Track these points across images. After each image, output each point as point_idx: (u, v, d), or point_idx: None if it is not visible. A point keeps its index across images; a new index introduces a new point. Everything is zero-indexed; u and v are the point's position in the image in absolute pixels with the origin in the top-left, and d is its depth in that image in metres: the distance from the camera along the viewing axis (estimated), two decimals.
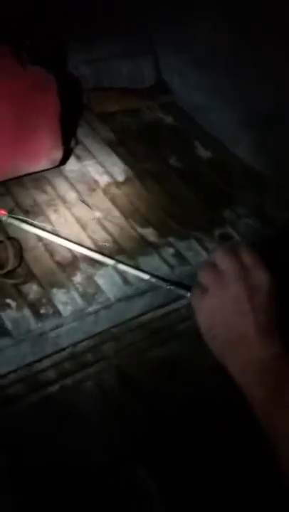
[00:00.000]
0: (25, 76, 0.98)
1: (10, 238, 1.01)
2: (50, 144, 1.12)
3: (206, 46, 1.46)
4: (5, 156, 1.04)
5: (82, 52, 1.54)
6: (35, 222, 1.08)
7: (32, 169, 1.14)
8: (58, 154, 1.16)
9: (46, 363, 0.90)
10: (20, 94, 0.98)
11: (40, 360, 0.90)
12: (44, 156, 1.13)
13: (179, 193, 1.28)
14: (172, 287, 0.95)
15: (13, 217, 1.03)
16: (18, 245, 1.01)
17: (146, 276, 1.00)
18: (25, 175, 1.18)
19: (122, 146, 1.40)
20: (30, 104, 1.01)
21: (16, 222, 1.05)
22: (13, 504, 0.73)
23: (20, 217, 1.06)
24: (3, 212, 1.01)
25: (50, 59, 1.18)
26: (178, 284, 0.97)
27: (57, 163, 1.18)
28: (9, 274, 0.97)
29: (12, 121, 1.01)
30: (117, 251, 1.09)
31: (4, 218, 1.01)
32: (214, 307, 0.62)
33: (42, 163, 1.14)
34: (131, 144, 1.42)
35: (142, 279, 1.01)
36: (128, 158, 1.37)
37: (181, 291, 0.94)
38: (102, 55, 1.55)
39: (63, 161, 1.22)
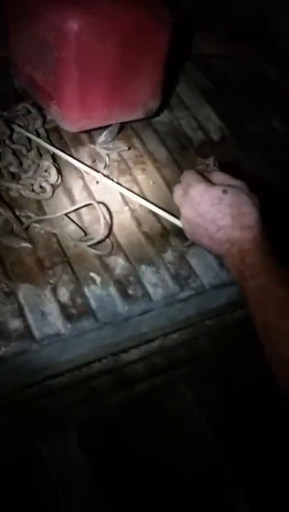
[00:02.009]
0: (141, 7, 0.80)
1: (98, 202, 0.87)
2: (149, 91, 0.95)
3: None
4: (101, 103, 0.89)
5: None
6: (123, 185, 0.94)
7: (124, 119, 0.99)
8: (156, 104, 0.99)
9: (134, 354, 0.80)
10: (132, 29, 0.81)
11: (127, 351, 0.80)
12: (140, 105, 0.97)
13: (282, 164, 1.11)
14: None
15: (105, 177, 0.89)
16: (107, 210, 0.88)
17: None
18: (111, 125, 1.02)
19: (219, 97, 1.22)
20: (138, 42, 0.84)
21: (104, 182, 0.91)
22: (97, 504, 0.65)
23: (110, 177, 0.92)
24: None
25: None
26: None
27: (151, 113, 1.02)
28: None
29: (115, 62, 0.84)
30: None
31: (98, 177, 0.88)
32: (196, 203, 0.70)
33: (136, 113, 0.98)
34: (228, 96, 1.24)
35: None
36: (225, 113, 1.19)
37: None
38: None
39: (158, 111, 1.05)
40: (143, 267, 0.86)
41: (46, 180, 0.91)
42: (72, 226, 0.88)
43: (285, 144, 1.15)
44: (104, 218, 0.83)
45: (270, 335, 0.60)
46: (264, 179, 1.07)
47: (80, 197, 0.93)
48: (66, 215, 0.88)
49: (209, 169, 0.76)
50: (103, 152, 1.00)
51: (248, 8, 1.39)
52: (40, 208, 0.89)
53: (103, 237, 0.83)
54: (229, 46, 1.35)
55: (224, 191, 0.69)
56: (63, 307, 0.78)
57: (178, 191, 0.74)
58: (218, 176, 0.74)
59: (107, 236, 0.86)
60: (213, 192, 0.69)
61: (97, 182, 0.93)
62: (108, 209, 0.91)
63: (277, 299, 0.61)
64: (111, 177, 0.96)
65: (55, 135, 1.01)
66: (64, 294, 0.80)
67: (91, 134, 1.02)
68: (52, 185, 0.91)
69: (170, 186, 1.00)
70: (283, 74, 1.31)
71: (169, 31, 0.86)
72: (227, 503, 0.72)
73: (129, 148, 1.03)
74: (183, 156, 1.07)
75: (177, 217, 0.91)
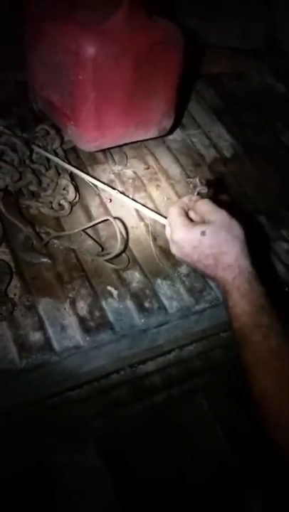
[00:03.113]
0: (153, 29, 0.84)
1: (114, 217, 0.90)
2: (162, 111, 0.98)
3: None
4: (116, 123, 0.92)
5: (190, 2, 1.36)
6: (139, 201, 0.97)
7: (139, 138, 1.02)
8: (169, 123, 1.03)
9: (151, 366, 0.82)
10: (145, 51, 0.85)
11: (144, 362, 0.81)
12: (154, 124, 1.00)
13: None
14: None
15: (121, 194, 0.92)
16: (123, 225, 0.91)
17: None
18: (125, 144, 1.06)
19: (229, 114, 1.25)
20: (152, 64, 0.87)
21: (120, 199, 0.94)
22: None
23: (126, 194, 0.95)
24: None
25: (154, 8, 1.02)
26: None
27: (165, 132, 1.05)
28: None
29: (129, 84, 0.88)
30: None
31: (114, 194, 0.91)
32: (180, 247, 0.72)
33: (150, 132, 1.02)
34: (239, 113, 1.27)
35: None
36: (236, 129, 1.22)
37: None
38: (213, 7, 1.37)
39: (170, 130, 1.08)
40: (159, 281, 0.88)
41: (64, 198, 0.94)
42: (90, 241, 0.91)
43: None
44: (121, 233, 0.86)
45: (249, 378, 0.62)
46: (277, 194, 1.09)
47: (97, 213, 0.96)
48: (84, 231, 0.90)
49: (197, 190, 0.75)
50: (118, 170, 1.04)
51: (257, 28, 1.44)
52: (58, 224, 0.92)
53: (119, 251, 0.85)
54: (238, 64, 1.39)
55: (202, 233, 0.70)
56: (82, 320, 0.80)
57: (167, 229, 0.76)
58: (200, 207, 0.74)
59: (124, 251, 0.88)
60: (191, 235, 0.70)
61: (110, 200, 0.97)
62: (124, 224, 0.94)
63: (252, 344, 0.63)
64: (126, 194, 0.99)
65: (73, 154, 1.05)
66: (82, 307, 0.82)
67: (107, 152, 1.06)
68: (70, 202, 0.94)
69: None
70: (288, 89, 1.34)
71: (180, 53, 0.90)
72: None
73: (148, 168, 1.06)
74: (196, 173, 1.09)
75: None
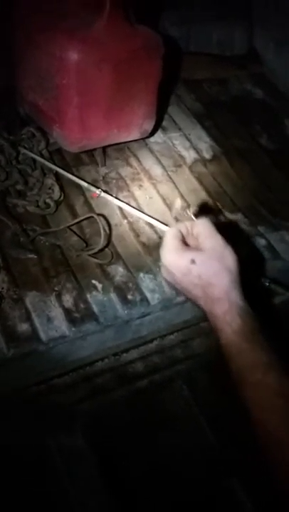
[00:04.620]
0: (134, 36, 0.89)
1: (98, 214, 0.94)
2: (144, 113, 1.03)
3: None
4: (99, 125, 0.96)
5: (172, 12, 1.42)
6: (122, 200, 1.01)
7: (121, 139, 1.06)
8: (150, 126, 1.07)
9: (134, 354, 0.86)
10: (126, 57, 0.89)
11: (127, 351, 0.85)
12: (136, 126, 1.04)
13: (270, 177, 1.19)
14: (272, 285, 0.88)
15: (106, 193, 0.96)
16: (106, 222, 0.95)
17: None
18: (109, 145, 1.10)
19: (209, 118, 1.30)
20: (133, 69, 0.92)
21: (105, 198, 0.98)
22: (103, 503, 0.70)
23: (109, 193, 1.00)
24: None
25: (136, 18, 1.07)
26: (276, 281, 0.89)
27: (146, 134, 1.10)
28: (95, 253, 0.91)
29: (111, 88, 0.92)
30: None
31: (98, 193, 0.95)
32: (171, 272, 0.69)
33: (132, 134, 1.06)
34: (218, 117, 1.32)
35: None
36: (215, 132, 1.27)
37: (281, 290, 0.87)
38: (193, 16, 1.43)
39: (152, 132, 1.13)
40: (141, 275, 0.92)
41: (50, 197, 0.98)
42: (75, 238, 0.95)
43: (272, 159, 1.22)
44: (104, 229, 0.90)
45: (251, 417, 0.58)
46: (254, 193, 1.13)
47: (82, 211, 1.00)
48: (69, 227, 0.94)
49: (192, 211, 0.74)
50: (102, 171, 1.08)
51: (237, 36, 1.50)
52: (44, 222, 0.96)
53: (103, 246, 0.89)
54: (218, 70, 1.44)
55: (192, 261, 0.66)
56: (67, 312, 0.84)
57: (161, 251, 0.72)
58: (197, 228, 0.70)
59: (107, 246, 0.92)
60: (181, 262, 0.67)
61: (98, 196, 1.00)
62: (108, 222, 0.98)
63: (252, 384, 0.59)
64: (110, 193, 1.03)
65: (58, 156, 1.09)
66: (68, 300, 0.86)
67: (91, 153, 1.10)
68: (55, 201, 0.98)
69: (165, 200, 1.07)
70: (266, 95, 1.40)
71: (160, 59, 0.95)
72: (223, 495, 0.76)
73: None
74: (177, 173, 1.14)
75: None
